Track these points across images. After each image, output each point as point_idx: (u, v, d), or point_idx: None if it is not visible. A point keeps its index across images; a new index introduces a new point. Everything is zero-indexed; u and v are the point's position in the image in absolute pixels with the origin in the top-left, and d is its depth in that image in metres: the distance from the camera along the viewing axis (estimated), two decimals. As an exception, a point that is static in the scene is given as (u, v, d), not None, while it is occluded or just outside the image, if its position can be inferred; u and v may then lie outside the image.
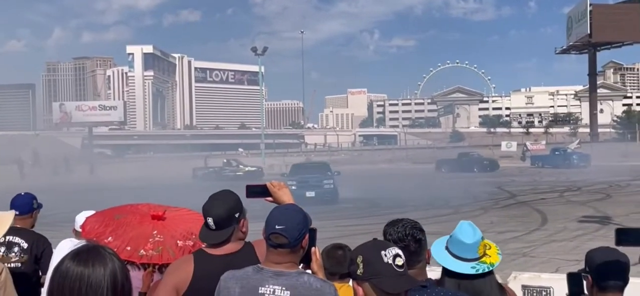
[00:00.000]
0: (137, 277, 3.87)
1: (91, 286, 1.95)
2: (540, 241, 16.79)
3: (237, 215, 3.29)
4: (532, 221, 20.87)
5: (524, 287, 6.50)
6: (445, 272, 3.01)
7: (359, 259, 2.37)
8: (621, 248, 3.13)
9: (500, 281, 6.36)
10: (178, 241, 3.67)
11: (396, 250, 2.36)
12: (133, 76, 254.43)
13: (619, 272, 3.12)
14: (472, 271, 2.95)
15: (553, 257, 14.11)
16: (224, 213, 3.25)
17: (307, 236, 2.83)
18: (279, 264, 2.78)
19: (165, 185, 40.16)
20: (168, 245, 3.64)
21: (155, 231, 3.69)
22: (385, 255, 2.33)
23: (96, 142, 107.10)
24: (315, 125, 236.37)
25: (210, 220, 3.26)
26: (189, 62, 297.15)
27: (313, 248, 2.92)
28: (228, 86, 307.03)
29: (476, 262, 2.98)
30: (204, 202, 3.35)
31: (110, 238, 3.62)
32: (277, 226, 2.75)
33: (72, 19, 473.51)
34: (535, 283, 6.57)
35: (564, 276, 3.52)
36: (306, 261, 2.93)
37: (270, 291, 2.73)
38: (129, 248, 3.57)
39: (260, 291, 2.74)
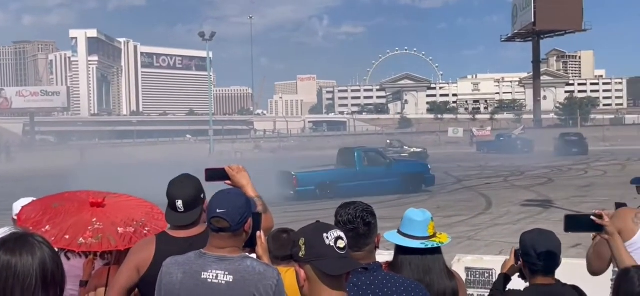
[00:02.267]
0: (77, 266, 3.79)
1: (18, 276, 1.87)
2: (485, 224, 17.17)
3: (202, 196, 3.33)
4: (477, 205, 21.31)
5: (467, 269, 6.62)
6: (398, 250, 3.09)
7: (301, 241, 2.36)
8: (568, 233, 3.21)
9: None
10: (118, 228, 3.59)
11: (338, 233, 2.35)
12: (76, 61, 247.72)
13: (550, 255, 3.17)
14: (422, 246, 3.04)
15: (497, 240, 14.45)
16: (193, 195, 3.30)
17: (250, 221, 2.81)
18: (221, 249, 2.74)
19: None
20: (108, 232, 3.56)
21: (94, 219, 3.61)
22: (327, 238, 2.31)
23: (39, 128, 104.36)
24: (265, 112, 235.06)
25: (179, 203, 3.28)
26: (135, 47, 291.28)
27: (258, 233, 2.91)
28: (176, 72, 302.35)
29: (426, 240, 3.06)
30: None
31: (47, 227, 3.51)
32: (218, 210, 2.71)
33: (12, 1, 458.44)
34: (478, 265, 6.70)
35: (506, 258, 3.60)
36: (251, 245, 2.91)
37: (213, 276, 2.70)
38: (67, 236, 3.48)
39: (203, 277, 2.71)
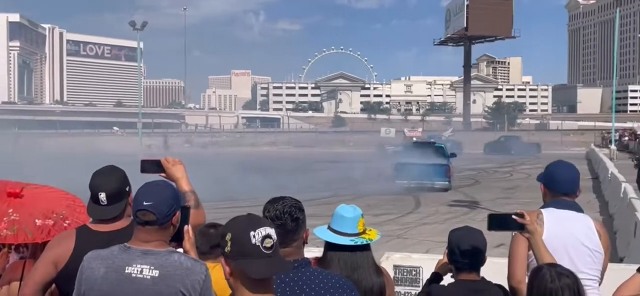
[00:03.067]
0: (-11, 259, 3.60)
1: None
2: (414, 223, 17.45)
3: (127, 189, 3.22)
4: (406, 204, 21.62)
5: (395, 267, 6.68)
6: (327, 247, 3.08)
7: (228, 236, 2.27)
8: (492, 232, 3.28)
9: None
10: (36, 220, 3.42)
11: (267, 231, 2.25)
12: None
13: (474, 252, 3.26)
14: (351, 243, 3.04)
15: (425, 239, 14.71)
16: (116, 187, 3.18)
17: (178, 214, 2.74)
18: (147, 242, 2.66)
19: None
20: (25, 224, 3.38)
21: (10, 210, 3.43)
22: (254, 236, 2.22)
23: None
24: (197, 106, 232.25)
25: (102, 196, 3.15)
26: (61, 34, 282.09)
27: (185, 227, 2.84)
28: (103, 61, 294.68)
29: (355, 237, 3.06)
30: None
31: None
32: (144, 203, 2.63)
33: None
34: (406, 263, 6.77)
35: (434, 257, 3.63)
36: (178, 239, 2.84)
37: (137, 270, 2.61)
38: (-20, 228, 3.29)
39: (126, 271, 2.62)
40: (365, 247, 3.09)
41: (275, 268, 2.26)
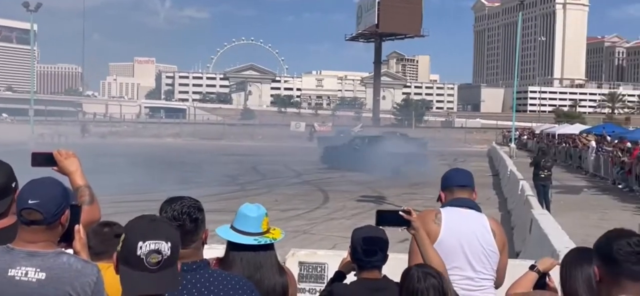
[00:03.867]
0: None
1: None
2: (321, 219, 17.53)
3: (13, 185, 2.98)
4: (314, 199, 21.73)
5: (300, 263, 6.67)
6: (230, 246, 3.02)
7: (123, 236, 2.14)
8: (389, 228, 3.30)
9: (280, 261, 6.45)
10: None
11: (158, 245, 2.05)
12: None
13: (376, 252, 3.29)
14: (255, 243, 2.99)
15: (331, 234, 14.78)
16: (2, 182, 2.94)
17: (67, 213, 2.58)
18: (33, 243, 2.50)
19: None
20: None
21: None
22: (141, 247, 2.05)
23: None
24: (96, 94, 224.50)
25: None
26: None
27: (76, 226, 2.69)
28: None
29: (259, 236, 3.02)
30: None
31: None
32: (30, 201, 2.46)
33: None
34: (311, 259, 6.76)
35: (340, 253, 3.62)
36: (68, 239, 2.68)
37: (22, 273, 2.44)
38: None
39: (10, 274, 2.45)
40: (269, 247, 3.06)
41: (155, 288, 2.05)
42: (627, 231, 2.50)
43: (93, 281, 2.51)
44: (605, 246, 2.44)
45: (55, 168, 3.21)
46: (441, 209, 3.69)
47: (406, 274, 2.60)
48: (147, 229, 2.08)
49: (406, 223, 3.20)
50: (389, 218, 3.25)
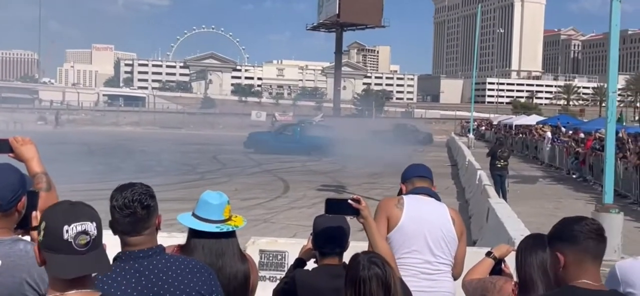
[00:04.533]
0: None
1: None
2: (282, 208, 17.54)
3: None
4: (275, 188, 21.71)
5: (261, 251, 6.68)
6: (191, 234, 3.03)
7: (42, 225, 2.04)
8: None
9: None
10: None
11: (84, 226, 2.00)
12: None
13: (336, 238, 3.35)
14: (216, 230, 3.00)
15: (292, 223, 14.82)
16: None
17: (24, 199, 2.55)
18: None
19: None
20: None
21: None
22: (67, 231, 1.98)
23: None
24: (53, 81, 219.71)
25: None
26: None
27: (33, 213, 2.64)
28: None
29: (221, 223, 3.03)
30: None
31: None
32: None
33: None
34: (272, 247, 6.79)
35: (300, 241, 3.64)
36: (24, 226, 2.67)
37: None
38: None
39: None
40: (231, 234, 3.07)
41: (88, 269, 2.00)
42: (582, 216, 2.60)
43: None
44: (567, 229, 2.52)
45: (11, 154, 3.16)
46: (404, 196, 3.76)
47: (353, 260, 2.62)
48: (69, 213, 2.02)
49: (355, 212, 3.22)
50: (338, 206, 3.26)
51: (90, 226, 1.98)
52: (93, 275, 2.08)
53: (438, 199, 3.83)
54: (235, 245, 3.09)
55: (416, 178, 3.86)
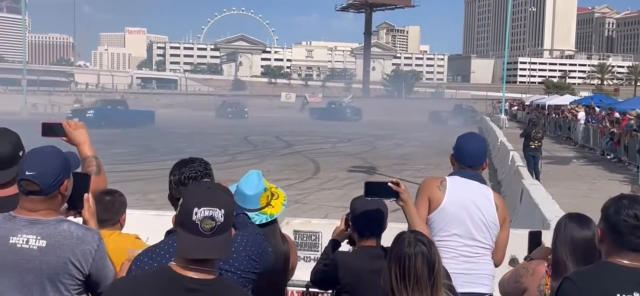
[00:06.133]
0: None
1: None
2: (313, 189, 17.62)
3: (21, 153, 3.00)
4: (306, 170, 21.79)
5: (295, 232, 6.72)
6: None
7: (180, 201, 2.20)
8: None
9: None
10: None
11: (212, 212, 2.09)
12: None
13: (374, 221, 3.36)
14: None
15: (323, 204, 14.88)
16: (8, 151, 2.97)
17: (66, 182, 2.62)
18: (34, 212, 2.55)
19: None
20: None
21: None
22: (196, 213, 2.09)
23: None
24: (88, 64, 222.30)
25: None
26: None
27: (85, 195, 2.77)
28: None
29: (257, 213, 3.07)
30: None
31: None
32: (27, 172, 2.51)
33: None
34: (305, 228, 6.82)
35: (333, 222, 3.67)
36: (77, 206, 2.77)
37: (23, 241, 2.50)
38: None
39: (11, 241, 2.50)
40: (268, 223, 3.11)
41: (208, 253, 2.10)
42: (637, 199, 2.54)
43: (94, 248, 2.56)
44: (613, 214, 2.50)
45: (65, 138, 3.28)
46: (447, 177, 3.73)
47: (398, 238, 2.63)
48: (202, 196, 2.13)
49: (394, 195, 3.23)
50: (377, 189, 3.27)
51: (218, 213, 2.09)
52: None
53: (483, 182, 3.78)
54: (277, 230, 3.16)
55: (466, 158, 3.78)
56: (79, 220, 2.76)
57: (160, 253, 2.54)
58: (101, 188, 3.31)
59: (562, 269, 2.94)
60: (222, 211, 2.11)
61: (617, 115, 28.18)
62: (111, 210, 3.52)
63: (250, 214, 3.05)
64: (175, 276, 2.11)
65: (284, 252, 3.12)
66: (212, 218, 2.09)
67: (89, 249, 2.54)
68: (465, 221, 3.59)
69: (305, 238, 6.71)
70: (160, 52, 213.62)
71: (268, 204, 3.13)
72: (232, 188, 2.88)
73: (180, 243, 2.12)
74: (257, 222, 3.05)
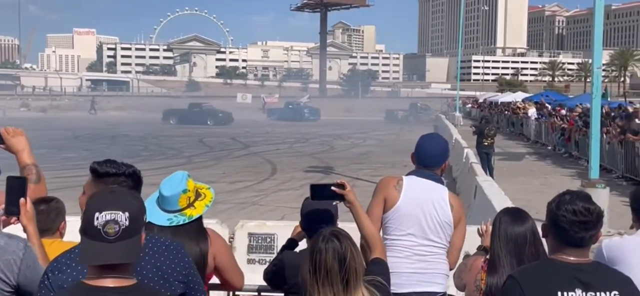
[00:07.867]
0: None
1: None
2: (270, 190, 17.52)
3: None
4: (262, 171, 21.67)
5: (250, 234, 6.68)
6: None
7: (85, 209, 2.09)
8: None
9: (225, 229, 6.42)
10: None
11: (114, 215, 2.00)
12: None
13: (323, 220, 3.30)
14: (167, 223, 2.99)
15: (280, 205, 14.80)
16: None
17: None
18: None
19: None
20: None
21: None
22: (97, 218, 2.00)
23: None
24: (34, 66, 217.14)
25: None
26: None
27: (22, 200, 2.65)
28: None
29: (175, 214, 3.01)
30: None
31: None
32: None
33: None
34: (261, 230, 6.78)
35: (289, 224, 3.62)
36: (14, 212, 2.67)
37: None
38: None
39: None
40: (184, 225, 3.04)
41: (113, 258, 1.98)
42: (579, 194, 2.58)
43: (19, 257, 2.47)
44: (554, 209, 2.54)
45: (2, 146, 3.16)
46: (404, 176, 3.74)
47: (318, 233, 2.62)
48: (105, 200, 2.04)
49: (339, 198, 3.16)
50: (321, 192, 3.21)
51: (122, 216, 1.98)
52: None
53: (440, 182, 3.78)
54: (192, 229, 3.04)
55: (424, 159, 3.79)
56: (19, 226, 2.66)
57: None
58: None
59: (497, 263, 3.03)
60: (127, 214, 2.00)
61: (563, 112, 28.80)
62: (48, 219, 3.36)
63: (167, 215, 3.00)
64: (91, 289, 1.99)
65: (196, 254, 3.02)
66: (115, 221, 1.99)
67: (13, 258, 2.45)
68: (420, 220, 3.60)
69: (260, 241, 6.66)
70: (111, 53, 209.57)
71: (190, 205, 3.06)
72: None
73: (82, 250, 2.01)
74: (173, 224, 2.98)
